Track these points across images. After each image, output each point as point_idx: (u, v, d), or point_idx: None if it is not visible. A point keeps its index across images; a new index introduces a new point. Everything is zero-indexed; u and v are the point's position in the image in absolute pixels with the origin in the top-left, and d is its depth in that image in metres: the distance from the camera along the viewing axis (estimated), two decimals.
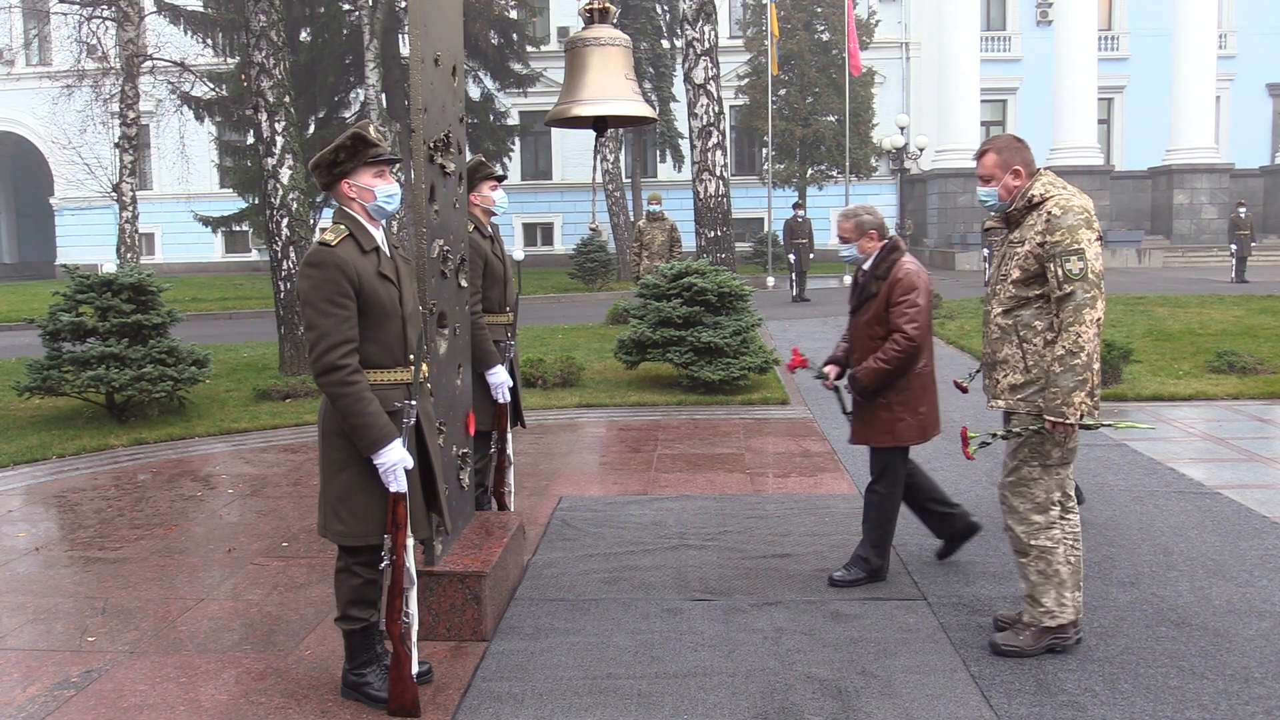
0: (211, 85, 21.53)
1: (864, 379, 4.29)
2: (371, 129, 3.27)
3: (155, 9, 20.86)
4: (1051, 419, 3.44)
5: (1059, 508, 3.64)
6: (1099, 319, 3.40)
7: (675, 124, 27.81)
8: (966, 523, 4.63)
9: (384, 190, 3.27)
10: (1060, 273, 3.42)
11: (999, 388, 3.65)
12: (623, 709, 3.31)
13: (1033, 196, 3.54)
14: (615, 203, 26.29)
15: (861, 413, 4.43)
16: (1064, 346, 3.42)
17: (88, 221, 32.94)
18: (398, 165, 3.45)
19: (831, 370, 4.55)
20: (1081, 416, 3.44)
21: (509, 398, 4.87)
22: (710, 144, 15.74)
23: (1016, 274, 3.56)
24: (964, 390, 5.25)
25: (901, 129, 27.74)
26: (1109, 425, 3.52)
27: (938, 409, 4.46)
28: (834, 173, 27.67)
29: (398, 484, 3.16)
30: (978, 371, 5.21)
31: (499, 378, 4.76)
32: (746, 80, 29.10)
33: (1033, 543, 3.60)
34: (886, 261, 4.32)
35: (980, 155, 3.68)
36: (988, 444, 3.71)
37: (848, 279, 23.53)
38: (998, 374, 3.67)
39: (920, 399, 4.33)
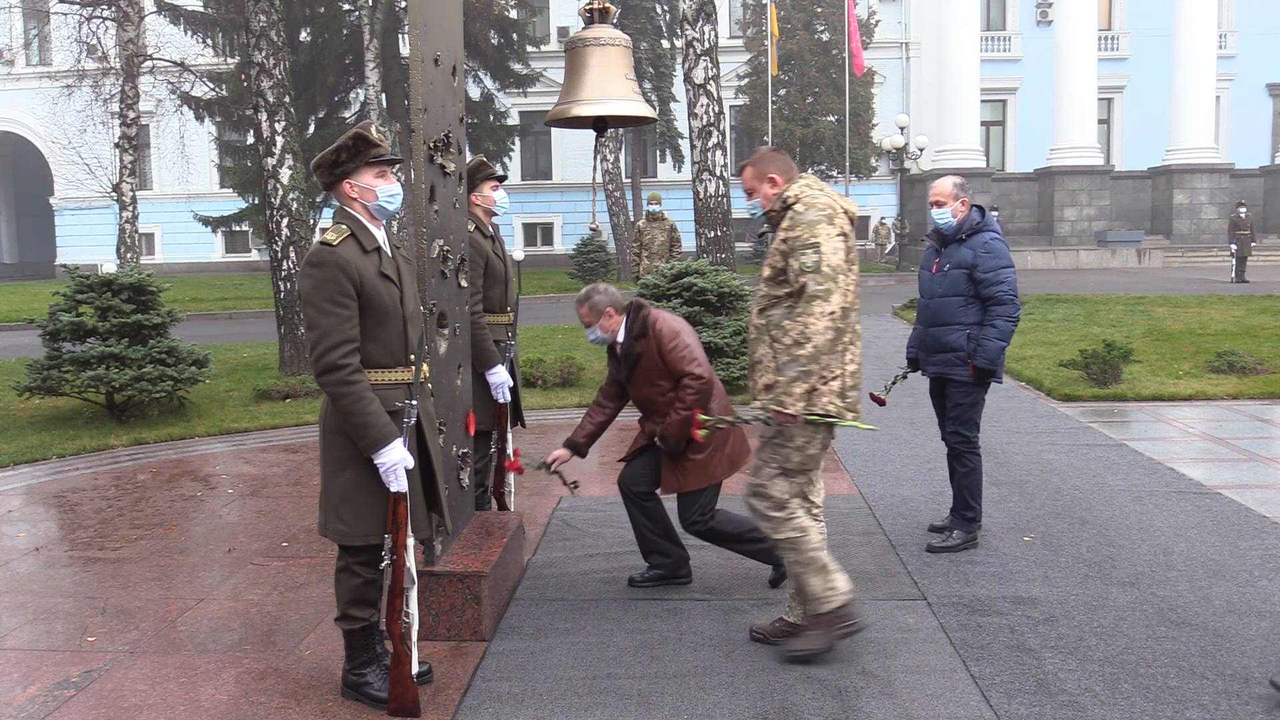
0: (211, 85, 21.53)
1: (674, 433, 4.16)
2: (373, 129, 3.27)
3: (155, 9, 20.85)
4: (774, 407, 3.45)
5: (801, 508, 3.64)
6: (832, 312, 3.39)
7: (675, 124, 27.81)
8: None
9: (385, 190, 3.27)
10: (796, 265, 3.45)
11: (756, 389, 3.67)
12: (623, 709, 3.31)
13: (787, 198, 3.61)
14: (615, 203, 26.30)
15: (673, 463, 4.29)
16: (791, 337, 3.45)
17: (88, 221, 32.96)
18: (399, 165, 3.45)
19: (561, 455, 4.46)
20: (807, 409, 3.42)
21: (509, 398, 4.87)
22: (710, 144, 15.73)
23: (767, 272, 3.61)
24: (881, 403, 5.23)
25: (901, 129, 27.77)
26: (835, 420, 3.50)
27: (744, 438, 4.38)
28: (834, 173, 27.70)
29: (398, 484, 3.16)
30: (893, 383, 5.23)
31: (499, 378, 4.77)
32: (746, 80, 29.14)
33: (778, 536, 3.62)
34: (638, 322, 4.27)
35: (739, 171, 3.76)
36: (720, 429, 3.84)
37: None
38: (755, 375, 3.67)
39: (726, 433, 4.25)
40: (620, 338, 4.33)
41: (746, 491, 3.70)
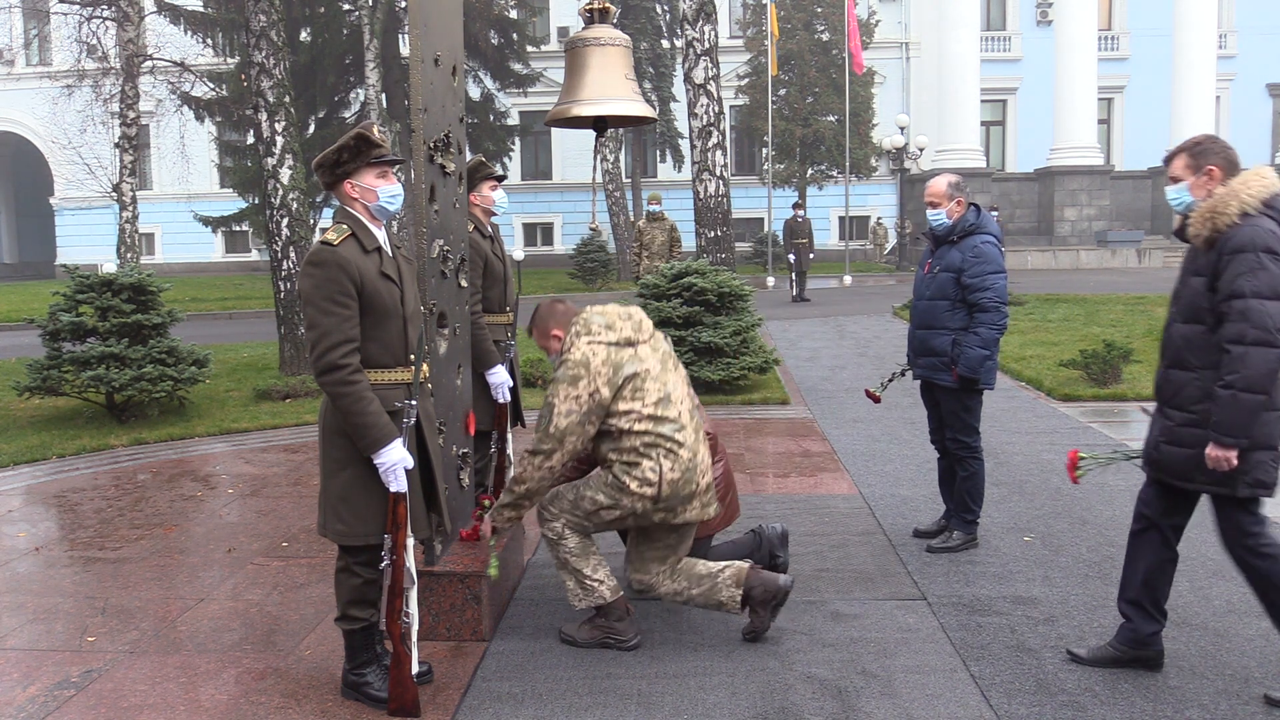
0: (211, 85, 21.52)
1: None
2: (375, 129, 3.28)
3: (155, 9, 20.84)
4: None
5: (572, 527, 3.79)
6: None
7: (675, 124, 27.81)
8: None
9: (386, 190, 3.27)
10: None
11: None
12: (623, 709, 3.31)
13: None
14: (615, 203, 26.30)
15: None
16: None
17: (88, 221, 32.95)
18: (399, 166, 3.45)
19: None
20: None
21: (509, 398, 4.87)
22: (710, 144, 15.73)
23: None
24: (876, 400, 5.22)
25: (901, 129, 27.76)
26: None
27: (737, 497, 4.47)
28: (834, 173, 27.70)
29: (398, 484, 3.16)
30: (889, 381, 5.22)
31: (499, 378, 4.77)
32: (746, 80, 29.12)
33: (543, 531, 3.83)
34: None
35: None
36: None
37: (848, 279, 23.56)
38: None
39: (725, 490, 4.27)
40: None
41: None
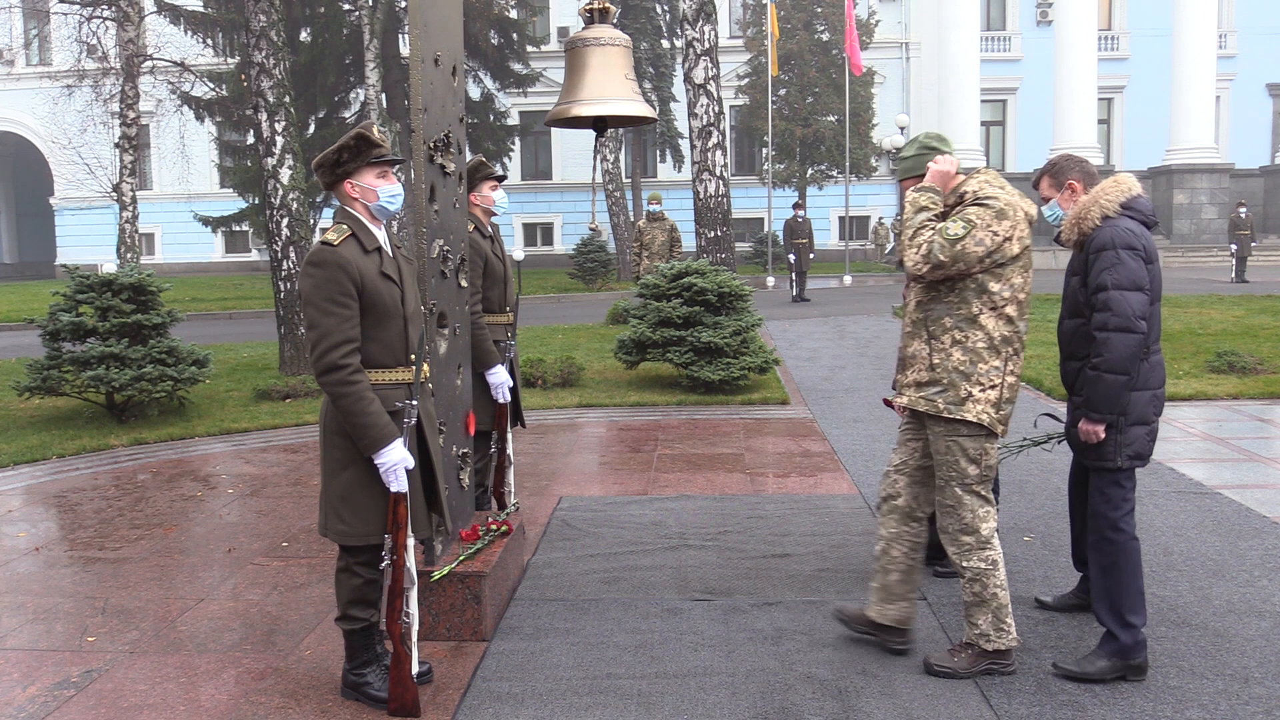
0: (211, 85, 21.51)
1: None
2: (375, 129, 3.28)
3: (155, 9, 20.83)
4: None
5: (993, 532, 3.53)
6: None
7: (675, 124, 27.82)
8: None
9: (387, 190, 3.27)
10: None
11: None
12: (623, 709, 3.31)
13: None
14: (615, 203, 26.29)
15: None
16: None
17: (88, 221, 32.94)
18: (400, 166, 3.46)
19: None
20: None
21: (509, 398, 4.87)
22: (710, 144, 15.74)
23: None
24: (891, 405, 5.22)
25: (901, 129, 27.77)
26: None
27: None
28: (834, 173, 27.69)
29: (399, 484, 3.16)
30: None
31: (499, 378, 4.77)
32: (746, 80, 29.12)
33: (964, 564, 3.51)
34: None
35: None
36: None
37: (848, 279, 23.55)
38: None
39: None
40: None
41: (936, 511, 3.61)
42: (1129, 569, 3.50)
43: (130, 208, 19.55)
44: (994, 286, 3.42)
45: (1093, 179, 3.68)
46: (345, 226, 3.22)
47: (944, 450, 3.51)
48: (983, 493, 3.52)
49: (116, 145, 19.76)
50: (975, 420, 3.43)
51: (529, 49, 25.89)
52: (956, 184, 3.58)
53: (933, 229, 3.41)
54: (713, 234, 15.80)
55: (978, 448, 3.47)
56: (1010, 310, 3.45)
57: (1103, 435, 3.47)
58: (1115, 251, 3.42)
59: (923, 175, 3.64)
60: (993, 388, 3.44)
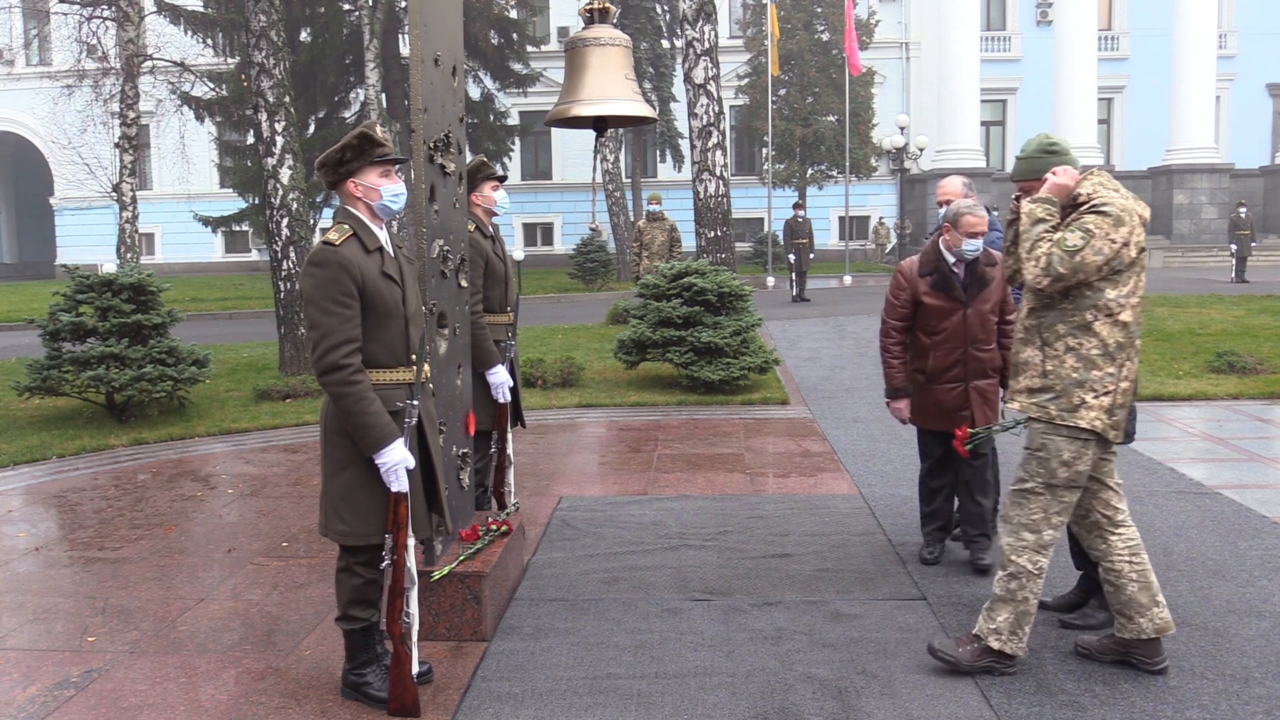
0: (211, 85, 21.51)
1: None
2: (378, 129, 3.28)
3: (155, 9, 20.83)
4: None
5: (1053, 542, 3.48)
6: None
7: (675, 124, 27.80)
8: None
9: (390, 190, 3.27)
10: None
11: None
12: (623, 709, 3.31)
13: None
14: (615, 203, 26.29)
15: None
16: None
17: (88, 221, 32.93)
18: (402, 165, 3.46)
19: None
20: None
21: (509, 398, 4.87)
22: (710, 144, 15.73)
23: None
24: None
25: (901, 129, 27.73)
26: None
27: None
28: (834, 173, 27.69)
29: (399, 484, 3.16)
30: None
31: (499, 378, 4.77)
32: (746, 80, 29.12)
33: (1013, 557, 3.47)
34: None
35: None
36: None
37: (848, 279, 23.54)
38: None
39: None
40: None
41: (1006, 499, 3.57)
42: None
43: (130, 208, 19.55)
44: (1110, 293, 3.37)
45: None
46: (347, 226, 3.22)
47: (1039, 447, 3.47)
48: (1065, 499, 3.45)
49: (116, 145, 19.76)
50: (1089, 428, 3.38)
51: (529, 49, 25.89)
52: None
53: (1050, 240, 3.37)
54: (713, 234, 15.80)
55: (1075, 452, 3.42)
56: (1125, 316, 3.39)
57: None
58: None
59: (1038, 178, 3.56)
60: (1106, 394, 3.38)
